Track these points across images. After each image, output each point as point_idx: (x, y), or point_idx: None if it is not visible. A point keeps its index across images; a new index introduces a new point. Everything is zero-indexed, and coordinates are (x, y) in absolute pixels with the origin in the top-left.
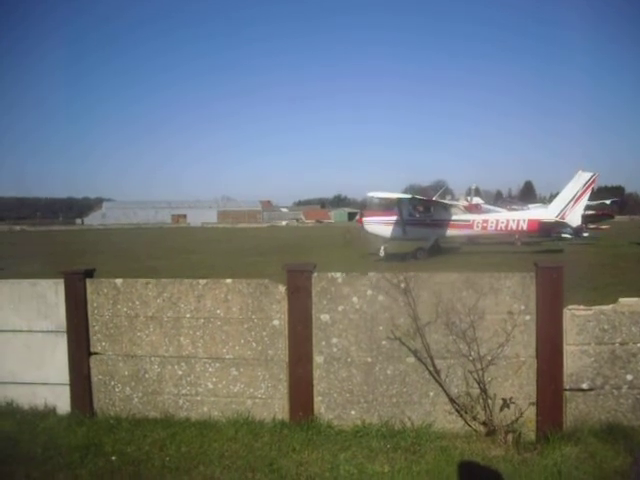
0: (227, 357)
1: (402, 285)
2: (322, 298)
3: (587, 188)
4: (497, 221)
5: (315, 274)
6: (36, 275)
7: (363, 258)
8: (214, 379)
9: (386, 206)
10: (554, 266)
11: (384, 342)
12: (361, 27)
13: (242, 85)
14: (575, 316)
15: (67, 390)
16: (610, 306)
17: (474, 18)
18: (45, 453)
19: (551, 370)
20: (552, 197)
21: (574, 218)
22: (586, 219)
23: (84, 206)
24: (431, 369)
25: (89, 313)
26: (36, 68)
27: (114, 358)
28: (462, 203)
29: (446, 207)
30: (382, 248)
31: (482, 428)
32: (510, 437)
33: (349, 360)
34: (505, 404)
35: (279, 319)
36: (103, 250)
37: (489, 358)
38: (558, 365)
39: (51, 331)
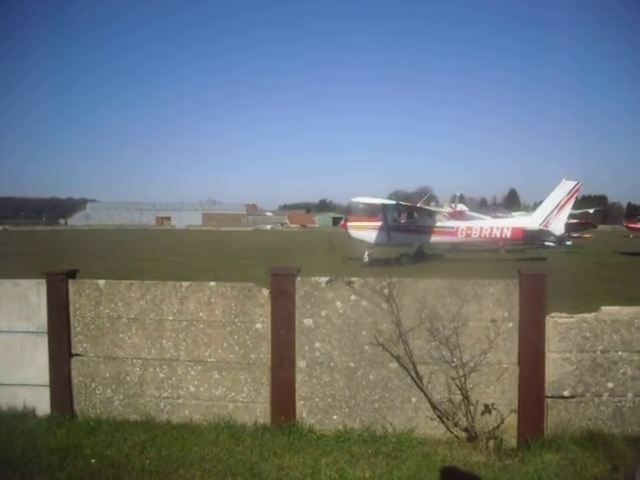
0: (209, 360)
1: (386, 291)
2: (305, 302)
3: (571, 197)
4: (481, 228)
5: (299, 278)
6: (18, 275)
7: (347, 263)
8: (196, 382)
9: (371, 212)
10: (537, 274)
11: (367, 347)
12: (345, 33)
13: (228, 90)
14: (557, 324)
15: (47, 391)
16: (592, 314)
17: (461, 22)
18: (24, 455)
19: (533, 377)
20: (536, 205)
21: (558, 226)
22: (569, 227)
23: (68, 206)
24: (414, 375)
25: (71, 314)
26: (22, 68)
27: (95, 360)
28: (446, 210)
29: (430, 214)
30: (366, 253)
31: (464, 434)
32: (491, 443)
33: (332, 365)
34: (487, 410)
35: (262, 323)
36: (87, 251)
37: (472, 365)
38: (540, 372)
39: (32, 332)
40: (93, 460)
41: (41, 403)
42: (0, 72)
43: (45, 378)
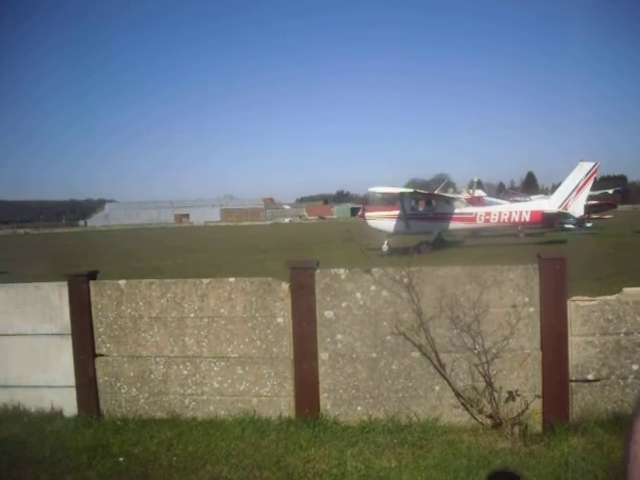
0: (232, 356)
1: (405, 280)
2: (326, 295)
3: (589, 178)
4: (500, 213)
5: (318, 271)
6: (41, 278)
7: (366, 253)
8: (219, 378)
9: (389, 201)
10: (557, 257)
11: (388, 337)
12: (360, 24)
13: (243, 83)
14: (579, 307)
15: (73, 392)
16: (614, 296)
17: (473, 12)
18: (53, 455)
19: (556, 362)
20: (554, 188)
21: (577, 208)
22: (589, 209)
23: (87, 208)
24: (436, 363)
25: (93, 315)
26: (36, 69)
27: (119, 359)
28: (464, 196)
29: (448, 200)
30: (385, 243)
31: (488, 421)
32: (517, 429)
33: (354, 356)
34: (511, 397)
35: (283, 317)
36: (107, 251)
37: (494, 351)
38: (563, 356)
39: (56, 334)
40: (121, 458)
41: (68, 404)
42: (17, 80)
43: (71, 379)
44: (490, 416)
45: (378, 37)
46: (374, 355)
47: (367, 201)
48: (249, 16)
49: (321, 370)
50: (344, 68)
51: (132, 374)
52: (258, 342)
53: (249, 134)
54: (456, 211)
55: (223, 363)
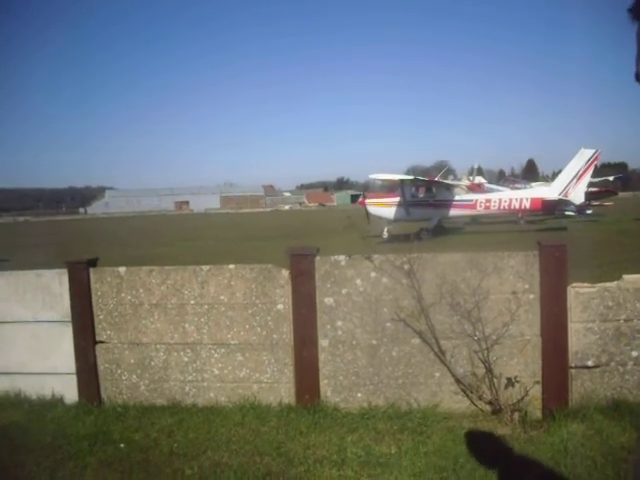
0: (232, 342)
1: (406, 266)
2: (326, 281)
3: (590, 165)
4: (500, 200)
5: (318, 257)
6: (42, 266)
7: (366, 240)
8: (220, 365)
9: (389, 188)
10: (557, 244)
11: (389, 324)
12: (358, 5)
13: (241, 69)
14: (579, 294)
15: (74, 379)
16: (614, 283)
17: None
18: (54, 442)
19: (556, 348)
20: (555, 175)
21: (577, 195)
22: (589, 196)
23: (86, 195)
24: (436, 350)
25: (93, 302)
26: (33, 56)
27: (120, 346)
28: (465, 183)
29: (449, 187)
30: (385, 230)
31: (488, 407)
32: (516, 416)
33: (354, 343)
34: (510, 383)
35: (283, 303)
36: (107, 238)
37: (494, 338)
38: (563, 343)
39: (57, 321)
40: (122, 445)
41: (69, 391)
42: (13, 68)
43: (72, 366)
44: (490, 402)
45: (375, 21)
46: (374, 342)
47: (367, 188)
48: (251, 16)
49: (321, 357)
50: (343, 53)
51: (132, 361)
52: (258, 329)
53: (249, 121)
54: (456, 198)
55: (223, 350)
